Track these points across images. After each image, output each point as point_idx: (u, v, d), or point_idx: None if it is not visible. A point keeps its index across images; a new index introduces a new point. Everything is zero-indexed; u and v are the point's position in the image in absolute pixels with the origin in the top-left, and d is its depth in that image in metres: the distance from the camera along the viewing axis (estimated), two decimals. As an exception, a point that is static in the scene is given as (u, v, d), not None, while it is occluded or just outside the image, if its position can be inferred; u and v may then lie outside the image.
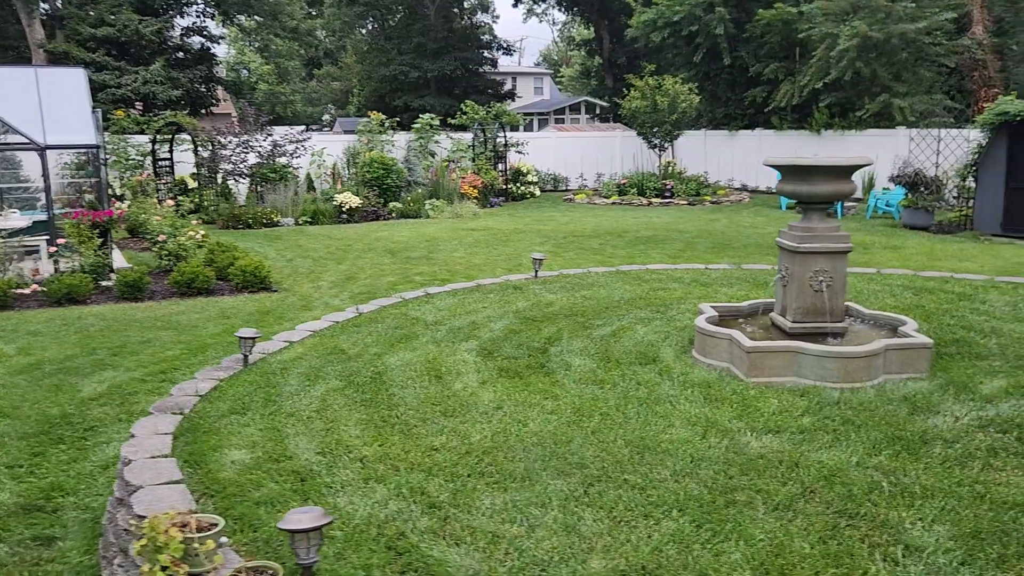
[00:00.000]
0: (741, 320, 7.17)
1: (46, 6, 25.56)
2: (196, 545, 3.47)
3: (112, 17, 25.13)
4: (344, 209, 19.52)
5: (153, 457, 4.80)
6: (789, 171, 6.41)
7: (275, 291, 10.58)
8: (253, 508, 4.12)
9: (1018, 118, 14.51)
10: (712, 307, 7.18)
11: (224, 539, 3.89)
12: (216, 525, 3.68)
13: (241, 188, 20.81)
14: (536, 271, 10.46)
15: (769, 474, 4.41)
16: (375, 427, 5.21)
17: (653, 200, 23.08)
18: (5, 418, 5.90)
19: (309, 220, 19.07)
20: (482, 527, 3.91)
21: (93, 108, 13.25)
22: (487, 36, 42.96)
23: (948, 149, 19.01)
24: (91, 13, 25.03)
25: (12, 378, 6.83)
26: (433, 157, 24.34)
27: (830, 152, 22.64)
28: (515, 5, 46.87)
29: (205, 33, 30.02)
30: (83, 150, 13.40)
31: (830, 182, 6.23)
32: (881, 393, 5.68)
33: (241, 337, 6.58)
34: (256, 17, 31.27)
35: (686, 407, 5.46)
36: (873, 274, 10.34)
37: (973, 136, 16.84)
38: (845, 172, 6.25)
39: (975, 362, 6.39)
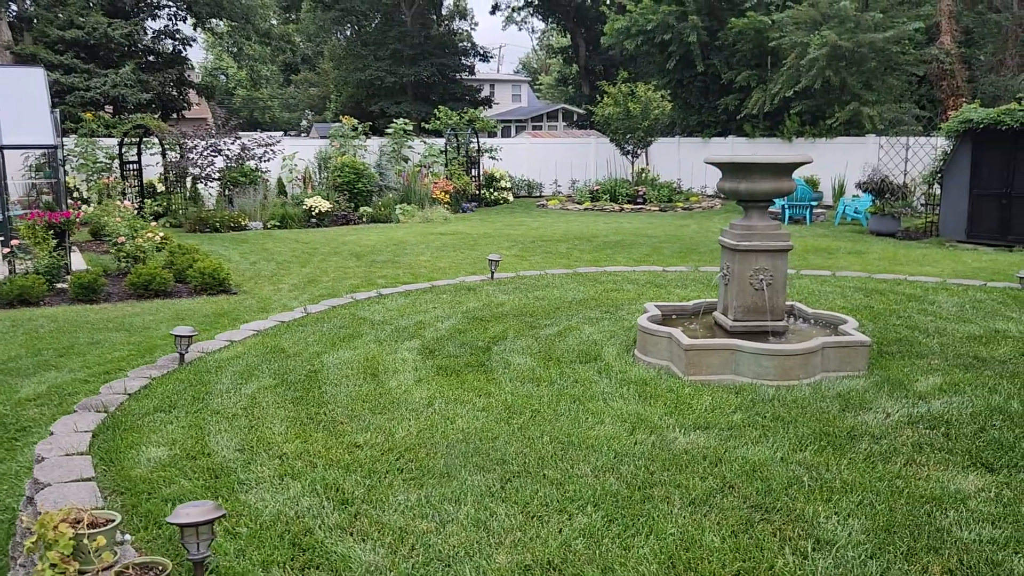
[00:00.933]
0: (686, 319, 7.13)
1: (14, 7, 25.27)
2: (86, 542, 3.37)
3: (81, 19, 24.86)
4: (314, 213, 19.40)
5: (68, 455, 4.69)
6: (729, 169, 6.39)
7: (234, 293, 10.44)
8: (160, 505, 4.02)
9: (981, 126, 14.61)
10: (657, 306, 7.14)
11: (128, 536, 3.79)
12: (113, 521, 3.58)
13: (210, 192, 20.64)
14: (492, 272, 10.39)
15: (691, 470, 4.36)
16: (300, 424, 5.12)
17: (625, 206, 23.11)
18: (-66, 418, 5.76)
19: (278, 224, 18.93)
20: (392, 523, 3.83)
21: (52, 109, 13.09)
22: (465, 43, 42.96)
23: (916, 157, 19.17)
24: (60, 15, 24.78)
25: (-52, 379, 6.68)
26: (406, 162, 24.28)
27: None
28: (493, 12, 46.94)
29: (177, 36, 29.78)
30: (41, 151, 13.23)
31: (769, 180, 6.21)
32: (816, 390, 5.65)
33: (176, 335, 6.47)
34: (228, 20, 31.07)
35: (619, 404, 5.40)
36: (828, 276, 10.36)
37: (940, 144, 16.99)
38: (784, 170, 6.24)
39: (914, 360, 6.39)
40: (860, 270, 11.12)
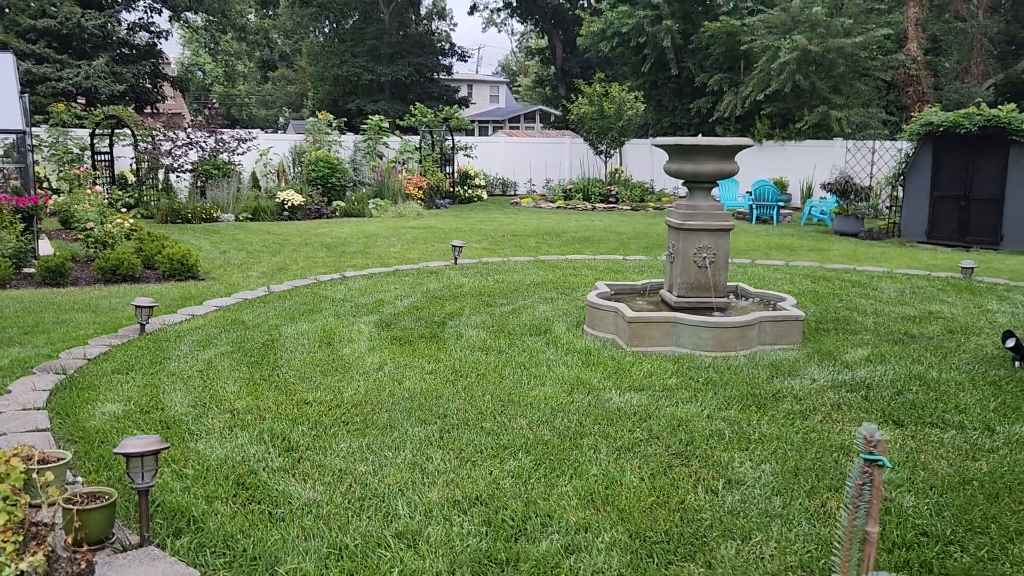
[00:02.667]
0: (635, 297, 7.39)
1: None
2: (35, 476, 3.55)
3: (54, 9, 24.78)
4: (287, 206, 19.51)
5: (25, 409, 4.86)
6: (675, 151, 6.66)
7: (203, 279, 10.53)
8: (112, 451, 4.20)
9: (941, 129, 14.99)
10: (607, 285, 7.40)
11: (80, 478, 3.98)
12: (63, 459, 3.77)
13: (183, 184, 20.69)
14: (456, 258, 10.62)
15: (621, 424, 4.61)
16: (253, 385, 5.32)
17: (598, 205, 23.41)
18: None
19: (250, 216, 19.02)
20: (332, 466, 4.04)
21: (21, 95, 13.13)
22: (443, 43, 43.16)
23: (882, 160, 19.60)
24: (32, 4, 24.70)
25: (-90, 351, 6.79)
26: (381, 158, 24.45)
27: (772, 161, 23.27)
28: (471, 12, 47.19)
29: (152, 29, 29.74)
30: (9, 135, 13.28)
31: (713, 161, 6.49)
32: (751, 360, 5.93)
33: (137, 306, 6.64)
34: (204, 14, 31.07)
35: (561, 370, 5.65)
36: (781, 265, 10.68)
37: (905, 147, 17.39)
38: (728, 152, 6.52)
39: (847, 336, 6.69)
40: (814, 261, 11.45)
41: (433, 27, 44.36)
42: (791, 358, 5.97)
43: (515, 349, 6.21)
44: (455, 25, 70.62)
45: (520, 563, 3.15)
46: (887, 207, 17.96)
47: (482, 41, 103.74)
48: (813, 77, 23.17)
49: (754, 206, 19.70)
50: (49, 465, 3.67)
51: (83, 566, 3.25)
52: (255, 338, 6.54)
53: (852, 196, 17.56)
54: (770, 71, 23.42)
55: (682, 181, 6.80)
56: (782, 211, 20.21)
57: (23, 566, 3.36)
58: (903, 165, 16.25)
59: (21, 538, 3.49)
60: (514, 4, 43.43)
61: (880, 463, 1.78)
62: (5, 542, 3.44)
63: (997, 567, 3.16)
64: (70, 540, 3.36)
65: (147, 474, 3.42)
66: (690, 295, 6.65)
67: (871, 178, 19.75)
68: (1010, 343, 5.82)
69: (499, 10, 47.05)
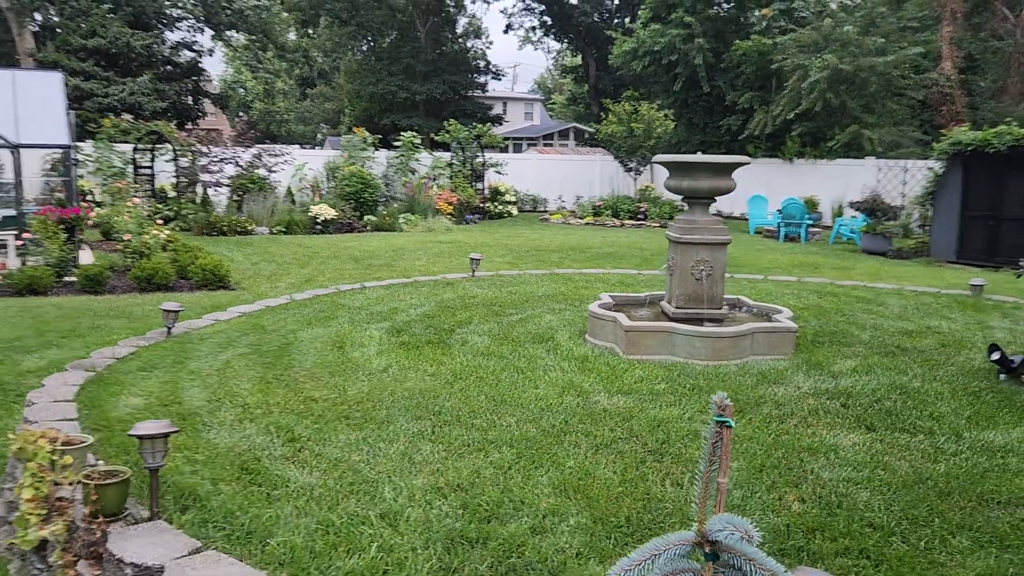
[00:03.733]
0: (637, 308, 7.66)
1: (38, 17, 26.28)
2: (55, 458, 3.93)
3: (103, 29, 25.83)
4: (319, 220, 20.04)
5: (55, 401, 5.28)
6: (674, 167, 6.94)
7: (233, 289, 10.97)
8: (131, 438, 4.58)
9: (971, 148, 14.96)
10: (610, 296, 7.69)
11: (100, 462, 4.37)
12: (85, 442, 4.15)
13: (221, 197, 21.38)
14: (473, 270, 10.96)
15: (603, 423, 4.89)
16: (265, 383, 5.70)
17: (626, 222, 23.66)
18: (-54, 383, 6.35)
19: (283, 230, 19.58)
20: (330, 455, 4.38)
21: (68, 111, 13.80)
22: (479, 61, 43.85)
23: (915, 179, 19.57)
24: (83, 25, 25.75)
25: (-39, 353, 7.28)
26: (413, 174, 24.96)
27: (803, 180, 23.35)
28: (506, 31, 47.87)
29: (195, 48, 30.78)
30: (56, 150, 13.96)
31: (709, 178, 6.75)
32: (742, 369, 6.17)
33: (164, 310, 7.07)
34: (246, 34, 32.04)
35: (556, 375, 5.94)
36: (791, 281, 10.85)
37: (935, 166, 17.39)
38: (724, 169, 6.78)
39: (841, 348, 6.89)
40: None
41: (468, 45, 45.07)
42: (780, 367, 6.19)
43: (516, 355, 6.52)
44: (491, 43, 71.43)
45: (489, 541, 3.45)
46: (919, 226, 17.92)
47: (519, 59, 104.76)
48: (844, 96, 23.22)
49: (782, 224, 19.80)
50: (72, 447, 4.06)
51: (98, 535, 3.62)
52: (272, 341, 6.93)
53: (880, 215, 17.59)
54: (800, 90, 23.47)
55: (681, 197, 7.07)
56: (812, 229, 20.26)
57: (45, 534, 3.75)
58: (932, 184, 16.25)
59: (46, 510, 3.88)
60: (548, 23, 44.00)
61: (727, 424, 2.06)
62: (31, 513, 3.84)
63: (932, 555, 3.39)
64: (88, 512, 3.72)
65: (157, 454, 3.78)
66: (688, 306, 6.90)
67: (903, 197, 19.73)
68: (995, 356, 5.99)
69: (534, 28, 47.66)
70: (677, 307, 6.92)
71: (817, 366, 6.25)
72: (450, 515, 3.68)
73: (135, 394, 5.43)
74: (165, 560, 3.32)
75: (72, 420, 4.92)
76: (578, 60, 47.51)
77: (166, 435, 3.78)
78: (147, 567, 3.31)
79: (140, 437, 3.76)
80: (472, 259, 11.01)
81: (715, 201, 7.13)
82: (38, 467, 3.95)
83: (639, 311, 7.49)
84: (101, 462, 4.34)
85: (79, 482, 3.88)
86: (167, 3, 27.28)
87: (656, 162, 7.13)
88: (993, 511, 3.82)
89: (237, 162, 20.83)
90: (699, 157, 6.77)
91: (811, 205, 22.07)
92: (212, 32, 31.64)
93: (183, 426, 4.82)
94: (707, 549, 1.98)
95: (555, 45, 54.09)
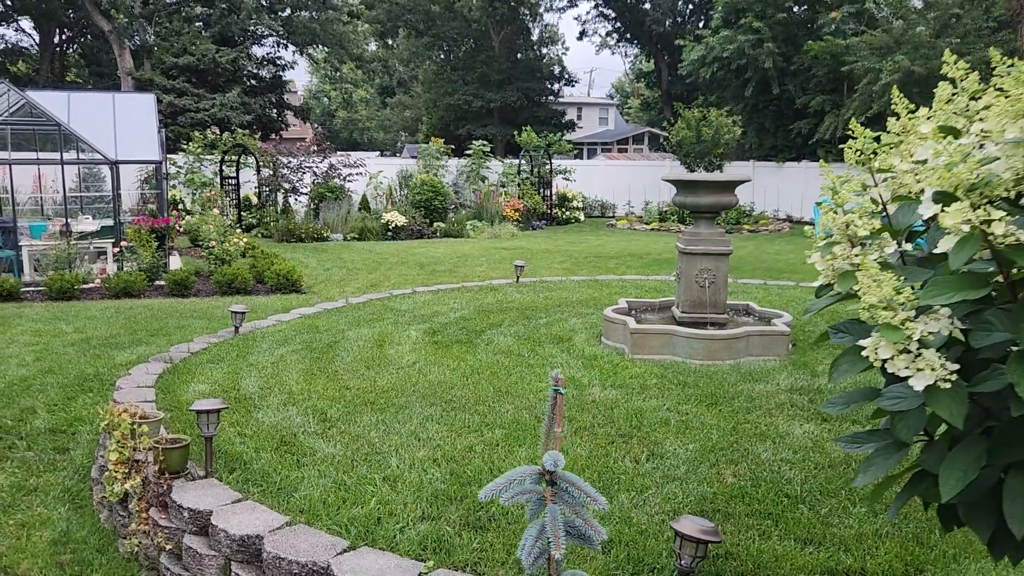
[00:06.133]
0: (652, 312, 8.37)
1: (137, 38, 28.42)
2: (135, 428, 4.95)
3: (193, 47, 27.81)
4: (390, 227, 21.22)
5: (138, 387, 6.36)
6: (680, 185, 7.64)
7: (304, 293, 12.06)
8: (193, 413, 5.59)
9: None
10: (627, 301, 8.42)
11: (168, 432, 5.37)
12: (157, 417, 5.17)
13: (301, 206, 22.83)
14: (518, 276, 11.80)
15: (588, 411, 5.67)
16: (310, 374, 6.67)
17: (690, 227, 24.10)
18: (52, 374, 7.53)
19: (356, 236, 20.83)
20: (353, 432, 5.29)
21: (160, 129, 15.27)
22: (554, 67, 44.72)
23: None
24: (175, 44, 27.78)
25: (65, 348, 8.51)
26: (483, 181, 25.97)
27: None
28: (580, 38, 48.58)
29: (279, 62, 32.65)
30: (149, 165, 15.45)
31: (712, 195, 7.43)
32: (734, 368, 6.83)
33: (232, 311, 8.15)
34: (324, 47, 33.79)
35: (561, 371, 6.72)
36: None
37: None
38: (725, 187, 7.45)
39: (835, 351, 7.45)
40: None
41: (543, 52, 45.99)
42: (769, 367, 6.83)
43: (532, 354, 7.33)
44: (567, 49, 72.07)
45: (464, 499, 4.29)
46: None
47: (596, 64, 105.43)
48: (918, 100, 23.00)
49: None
50: (148, 421, 5.07)
51: (164, 488, 4.61)
52: (322, 339, 7.93)
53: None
54: (871, 93, 23.26)
55: (687, 212, 7.75)
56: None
57: (128, 487, 4.76)
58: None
59: (127, 469, 4.90)
60: (621, 29, 44.56)
61: (559, 391, 2.84)
62: (116, 471, 4.86)
63: (828, 519, 4.06)
64: (157, 470, 4.72)
65: (211, 426, 4.76)
66: (693, 311, 7.59)
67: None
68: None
69: (610, 34, 48.28)
70: (683, 312, 7.61)
71: (803, 366, 6.86)
72: (439, 480, 4.53)
73: (202, 381, 6.47)
74: (213, 507, 4.27)
75: (151, 401, 5.97)
76: (651, 65, 47.89)
77: (218, 411, 4.75)
78: (199, 511, 4.27)
79: (198, 412, 4.73)
80: (516, 266, 11.85)
81: (719, 214, 7.78)
82: (121, 435, 4.97)
83: (651, 315, 8.20)
84: (170, 433, 5.35)
85: (151, 448, 4.88)
86: (250, 21, 29.09)
87: (665, 180, 7.82)
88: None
89: (314, 171, 22.21)
90: (701, 176, 7.46)
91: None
92: (295, 48, 33.50)
93: (237, 408, 5.82)
94: (548, 478, 2.78)
95: (632, 50, 54.62)
